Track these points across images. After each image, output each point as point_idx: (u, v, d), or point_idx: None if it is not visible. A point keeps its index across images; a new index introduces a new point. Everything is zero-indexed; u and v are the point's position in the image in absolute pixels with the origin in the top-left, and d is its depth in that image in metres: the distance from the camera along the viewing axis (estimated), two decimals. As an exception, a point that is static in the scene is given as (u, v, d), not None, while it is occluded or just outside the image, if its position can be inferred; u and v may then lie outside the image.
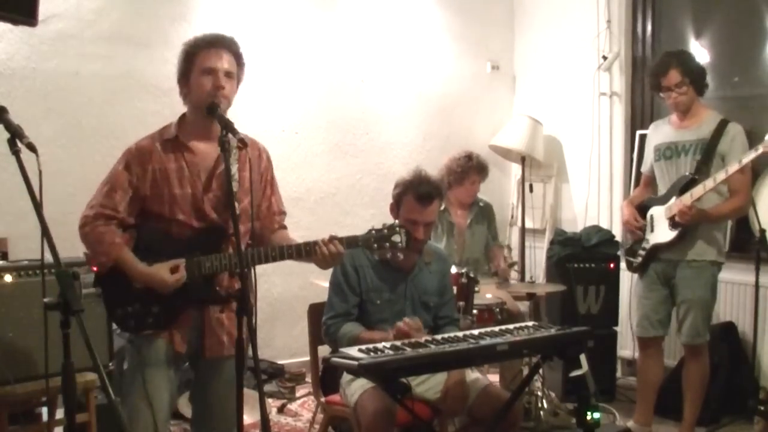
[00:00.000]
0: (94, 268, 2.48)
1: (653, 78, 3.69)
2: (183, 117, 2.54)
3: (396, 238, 2.53)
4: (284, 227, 2.69)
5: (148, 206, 2.44)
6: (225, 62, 2.44)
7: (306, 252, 2.44)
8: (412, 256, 3.13)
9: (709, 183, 3.40)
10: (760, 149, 3.27)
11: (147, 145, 2.46)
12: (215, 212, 2.46)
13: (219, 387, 2.52)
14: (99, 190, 2.44)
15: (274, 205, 2.66)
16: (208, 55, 2.43)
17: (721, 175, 3.37)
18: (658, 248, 3.67)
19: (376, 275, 3.08)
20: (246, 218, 2.44)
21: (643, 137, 4.23)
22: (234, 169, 2.44)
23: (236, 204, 2.38)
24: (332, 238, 2.47)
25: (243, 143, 2.30)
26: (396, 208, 3.10)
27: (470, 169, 4.47)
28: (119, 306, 2.42)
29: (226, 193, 2.41)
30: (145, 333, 2.42)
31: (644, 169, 3.93)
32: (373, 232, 2.55)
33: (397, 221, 2.65)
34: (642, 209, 3.78)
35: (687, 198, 3.47)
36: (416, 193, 3.01)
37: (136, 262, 2.37)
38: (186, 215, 2.43)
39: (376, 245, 2.54)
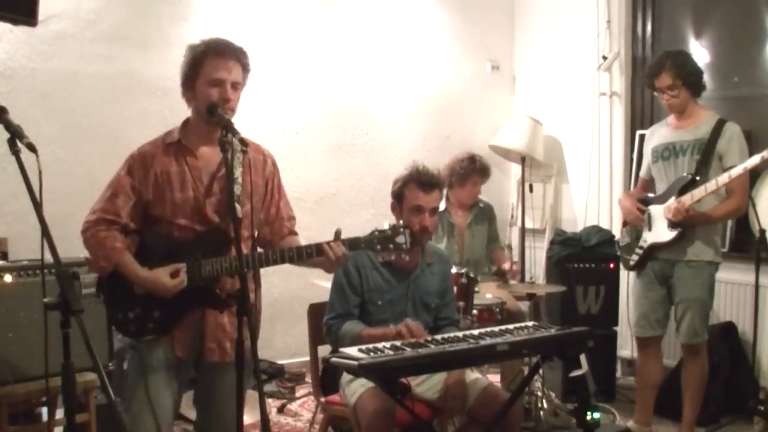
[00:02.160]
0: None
1: (647, 79, 3.72)
2: (187, 121, 2.53)
3: (400, 239, 2.47)
4: (295, 233, 2.67)
5: (151, 210, 2.42)
6: (233, 73, 2.42)
7: (308, 254, 2.41)
8: (415, 253, 3.13)
9: (711, 185, 3.40)
10: (767, 155, 3.27)
11: (149, 149, 2.46)
12: (218, 216, 2.43)
13: (220, 394, 2.49)
14: (102, 196, 2.44)
15: (282, 211, 2.63)
16: (217, 65, 2.39)
17: (724, 178, 3.38)
18: (655, 247, 3.67)
19: (378, 276, 3.08)
20: (248, 223, 2.40)
21: (643, 137, 4.23)
22: (237, 172, 2.42)
23: (238, 207, 2.36)
24: (337, 237, 2.43)
25: (244, 143, 2.27)
26: (398, 204, 3.09)
27: (473, 171, 4.48)
28: (120, 311, 2.40)
29: (229, 196, 2.38)
30: (147, 339, 2.40)
31: (642, 173, 3.93)
32: (377, 233, 2.48)
33: (400, 222, 2.60)
34: (641, 204, 3.78)
35: (687, 198, 3.47)
36: (418, 181, 3.03)
37: (136, 267, 2.36)
38: (188, 219, 2.41)
39: (379, 247, 2.48)
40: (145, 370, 2.39)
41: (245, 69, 2.49)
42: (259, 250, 2.52)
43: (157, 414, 2.37)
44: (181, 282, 2.34)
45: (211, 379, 2.50)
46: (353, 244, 2.46)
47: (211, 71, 2.39)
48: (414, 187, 3.03)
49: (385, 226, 2.51)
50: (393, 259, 3.06)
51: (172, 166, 2.42)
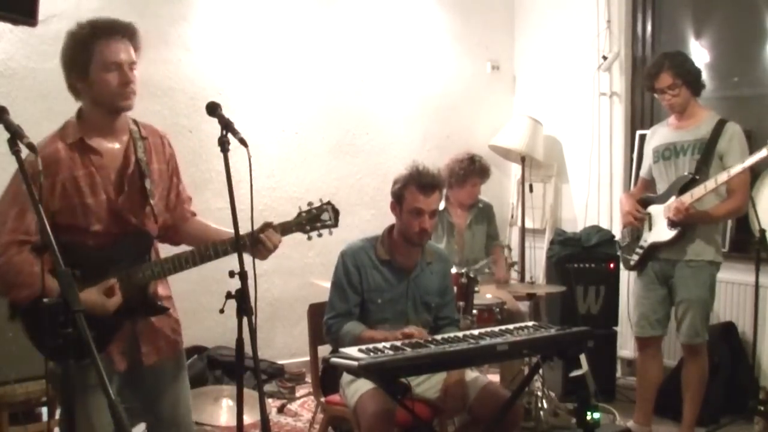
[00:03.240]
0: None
1: (647, 80, 3.71)
2: (80, 113, 2.31)
3: (325, 216, 2.50)
4: (195, 214, 2.55)
5: (59, 220, 2.17)
6: (129, 53, 2.23)
7: (243, 245, 2.30)
8: (414, 253, 3.14)
9: (710, 184, 3.41)
10: (764, 152, 3.28)
11: (50, 153, 2.19)
12: (132, 215, 2.29)
13: (168, 391, 2.41)
14: (4, 214, 2.15)
15: (182, 194, 2.50)
16: (111, 47, 2.20)
17: (723, 177, 3.38)
18: (656, 247, 3.67)
19: (377, 275, 3.08)
20: (159, 212, 2.33)
21: (643, 137, 4.23)
22: (143, 162, 2.30)
23: (151, 200, 2.29)
24: (268, 227, 2.38)
25: (244, 143, 2.16)
26: (397, 204, 3.09)
27: (472, 172, 4.48)
28: (48, 338, 2.06)
29: (139, 192, 2.29)
30: (85, 363, 2.06)
31: (643, 172, 3.93)
32: (303, 214, 2.50)
33: (327, 200, 2.57)
34: (641, 205, 3.78)
35: (687, 198, 3.47)
36: (418, 183, 3.02)
37: None
38: (103, 224, 2.23)
39: (308, 227, 2.49)
40: (83, 391, 2.11)
41: (136, 48, 2.29)
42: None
43: (107, 421, 2.14)
44: (119, 300, 2.20)
45: (154, 381, 2.38)
46: (285, 228, 2.44)
47: (105, 55, 2.19)
48: (414, 189, 3.02)
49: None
50: (389, 257, 3.07)
51: (78, 170, 2.20)
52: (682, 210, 3.45)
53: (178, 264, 2.30)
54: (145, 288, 2.30)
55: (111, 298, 2.18)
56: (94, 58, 2.21)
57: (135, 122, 2.38)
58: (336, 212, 2.55)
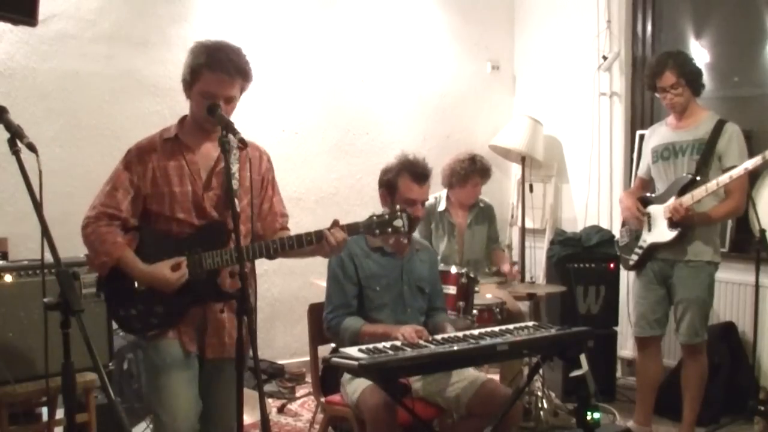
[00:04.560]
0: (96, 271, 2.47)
1: (649, 79, 3.71)
2: (184, 118, 2.54)
3: (398, 222, 2.53)
4: (287, 229, 2.67)
5: (149, 206, 2.43)
6: (227, 89, 2.41)
7: (308, 242, 2.43)
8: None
9: (711, 186, 3.41)
10: (762, 158, 3.28)
11: (147, 144, 2.47)
12: (216, 210, 2.45)
13: (220, 389, 2.51)
14: (101, 191, 2.44)
15: (275, 206, 2.65)
16: (213, 79, 2.39)
17: (724, 179, 3.38)
18: (655, 247, 3.67)
19: (371, 262, 3.11)
20: (246, 218, 2.42)
21: (643, 137, 4.23)
22: (234, 168, 2.43)
23: (236, 201, 2.38)
24: (335, 224, 2.48)
25: (243, 143, 2.30)
26: (388, 194, 3.10)
27: (474, 171, 4.47)
28: (122, 308, 2.41)
29: (226, 192, 2.41)
30: (151, 334, 2.42)
31: (641, 172, 3.93)
32: (375, 218, 2.54)
33: (398, 206, 2.63)
34: (641, 204, 3.78)
35: (687, 199, 3.47)
36: (413, 173, 3.05)
37: (137, 262, 2.36)
38: (186, 213, 2.42)
39: (378, 231, 2.54)
40: (164, 367, 2.40)
41: (246, 79, 2.50)
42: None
43: (175, 414, 2.37)
44: (182, 275, 2.35)
45: (211, 375, 2.51)
46: (352, 229, 2.52)
47: (206, 84, 2.39)
48: (408, 179, 3.05)
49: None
50: (391, 242, 3.09)
51: (170, 161, 2.44)
52: (681, 210, 3.45)
53: (249, 253, 2.39)
54: (215, 274, 2.41)
55: (176, 272, 2.35)
56: (199, 83, 2.41)
57: None
58: (411, 219, 2.65)
